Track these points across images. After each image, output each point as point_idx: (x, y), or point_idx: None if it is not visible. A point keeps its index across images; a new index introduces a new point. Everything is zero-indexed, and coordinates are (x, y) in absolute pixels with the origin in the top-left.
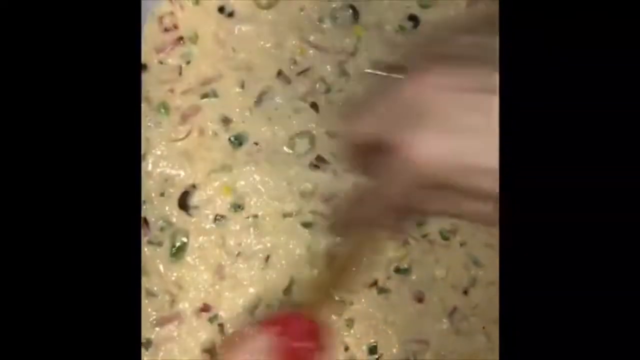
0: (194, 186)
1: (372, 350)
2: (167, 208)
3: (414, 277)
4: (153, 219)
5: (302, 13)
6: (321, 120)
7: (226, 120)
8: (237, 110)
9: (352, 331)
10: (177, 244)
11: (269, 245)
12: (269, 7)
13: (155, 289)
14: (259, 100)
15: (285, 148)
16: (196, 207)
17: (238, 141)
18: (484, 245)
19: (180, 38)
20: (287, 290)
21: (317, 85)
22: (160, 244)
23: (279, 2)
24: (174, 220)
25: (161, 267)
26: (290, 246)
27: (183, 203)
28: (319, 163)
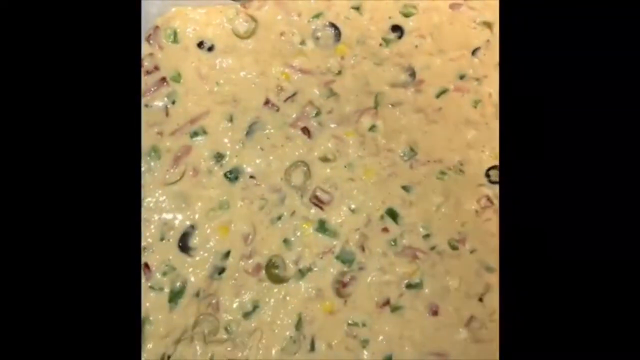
0: (192, 227)
1: None
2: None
3: (426, 291)
4: (155, 264)
5: (282, 38)
6: (314, 145)
7: (219, 156)
8: (229, 144)
9: (366, 352)
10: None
11: None
12: (248, 36)
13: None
14: (249, 132)
15: (280, 181)
16: (195, 249)
17: (234, 175)
18: (494, 250)
19: (163, 79)
20: (298, 325)
21: (307, 109)
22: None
23: (258, 30)
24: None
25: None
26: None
27: (184, 245)
28: (317, 202)
